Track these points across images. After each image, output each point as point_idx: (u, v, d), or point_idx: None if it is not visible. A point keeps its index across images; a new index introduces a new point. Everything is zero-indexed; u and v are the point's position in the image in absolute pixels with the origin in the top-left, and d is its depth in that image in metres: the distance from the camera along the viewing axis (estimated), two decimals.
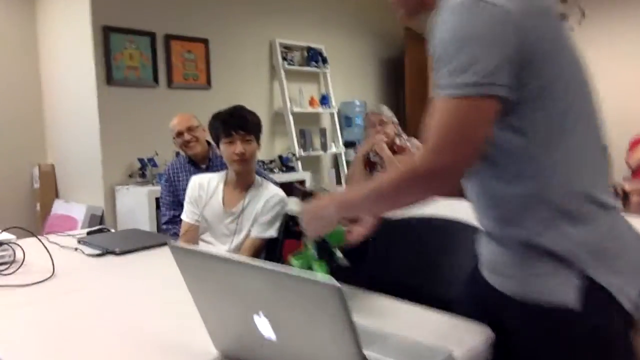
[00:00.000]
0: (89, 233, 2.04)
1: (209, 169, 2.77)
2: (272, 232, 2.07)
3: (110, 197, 3.65)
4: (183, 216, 2.17)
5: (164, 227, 2.82)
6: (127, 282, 1.45)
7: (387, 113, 3.14)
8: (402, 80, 5.71)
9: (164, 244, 1.86)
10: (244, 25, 4.41)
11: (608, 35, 4.92)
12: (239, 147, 2.00)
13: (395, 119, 3.17)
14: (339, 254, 1.06)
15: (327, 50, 5.04)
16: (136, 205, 3.50)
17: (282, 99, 4.68)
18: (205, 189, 2.14)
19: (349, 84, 5.43)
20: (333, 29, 5.22)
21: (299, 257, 1.08)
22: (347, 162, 5.19)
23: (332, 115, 5.14)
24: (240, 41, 4.39)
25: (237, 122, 2.01)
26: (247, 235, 2.07)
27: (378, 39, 5.77)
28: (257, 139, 2.09)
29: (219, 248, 2.10)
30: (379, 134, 3.06)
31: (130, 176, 3.73)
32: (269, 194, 2.10)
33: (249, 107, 2.12)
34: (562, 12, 5.06)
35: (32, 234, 1.71)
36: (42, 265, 1.55)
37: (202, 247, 2.14)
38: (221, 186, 2.14)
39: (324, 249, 1.05)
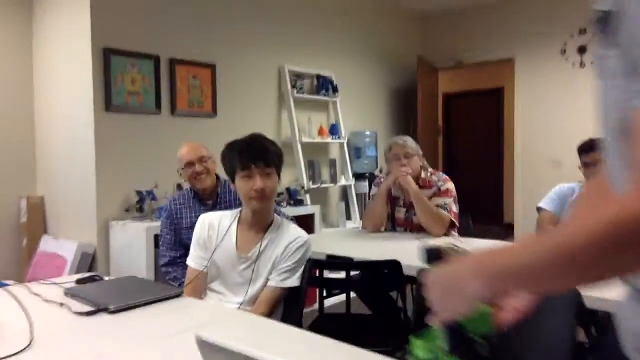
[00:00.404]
0: (78, 282, 1.73)
1: (215, 205, 2.48)
2: (294, 281, 1.77)
3: (104, 233, 3.33)
4: (189, 261, 1.87)
5: (163, 269, 2.52)
6: (123, 354, 1.14)
7: (412, 145, 2.88)
8: (413, 111, 5.50)
9: (170, 297, 1.56)
10: (252, 51, 4.19)
11: None
12: (258, 182, 1.71)
13: (420, 151, 2.91)
14: (482, 344, 0.72)
15: (337, 78, 4.82)
16: (132, 243, 3.18)
17: (290, 128, 4.42)
18: (216, 229, 1.85)
19: (358, 113, 5.19)
20: (343, 57, 5.02)
21: (423, 341, 0.74)
22: (357, 195, 4.91)
23: (341, 145, 4.88)
24: (248, 67, 4.16)
25: (257, 153, 1.74)
26: (265, 284, 1.77)
27: (389, 68, 5.57)
28: (278, 172, 1.81)
29: (231, 299, 1.79)
30: (405, 167, 2.79)
31: (127, 210, 3.42)
32: (290, 236, 1.81)
33: None
34: (582, 45, 4.88)
35: (6, 289, 1.40)
36: (20, 328, 1.24)
37: (210, 298, 1.83)
38: (234, 226, 1.84)
39: (459, 338, 0.72)
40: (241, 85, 4.10)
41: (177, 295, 1.59)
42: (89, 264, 3.23)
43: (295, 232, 1.82)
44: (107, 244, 3.33)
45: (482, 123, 7.53)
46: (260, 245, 1.78)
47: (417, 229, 2.81)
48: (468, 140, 7.55)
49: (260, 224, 1.82)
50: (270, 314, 1.72)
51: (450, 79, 6.97)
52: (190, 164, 2.46)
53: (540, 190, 5.15)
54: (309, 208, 4.18)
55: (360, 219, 4.81)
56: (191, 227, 1.99)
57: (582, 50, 4.88)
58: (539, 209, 2.86)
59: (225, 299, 1.81)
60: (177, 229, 2.47)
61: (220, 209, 1.99)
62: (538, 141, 5.32)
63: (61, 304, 1.48)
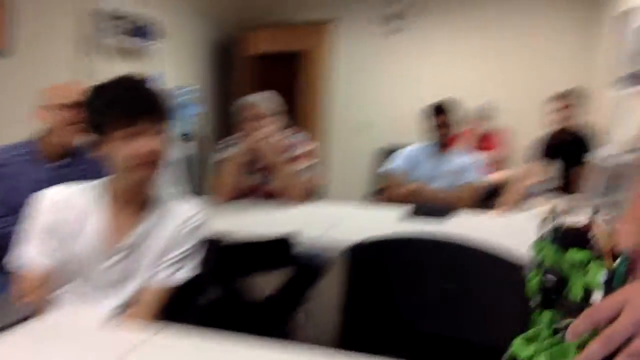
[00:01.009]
0: None
1: (64, 168, 1.82)
2: (189, 271, 1.38)
3: None
4: (30, 256, 1.30)
5: None
6: None
7: (267, 105, 2.59)
8: (231, 68, 5.17)
9: (18, 322, 1.03)
10: None
11: (448, 34, 4.99)
12: (147, 144, 1.25)
13: (278, 111, 2.64)
14: None
15: (157, 24, 4.17)
16: None
17: (99, 79, 3.67)
18: (71, 210, 1.32)
19: (176, 67, 4.62)
20: (164, 0, 4.37)
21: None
22: (190, 160, 4.47)
23: None
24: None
25: (142, 104, 1.27)
26: (146, 280, 1.34)
27: (212, 20, 5.09)
28: (166, 129, 1.36)
29: (101, 305, 1.31)
30: (259, 130, 2.51)
31: None
32: (183, 215, 1.40)
33: None
34: (399, 11, 5.11)
35: None
36: None
37: (68, 305, 1.30)
38: (100, 205, 1.34)
39: None
40: (37, 21, 3.22)
41: (26, 318, 1.06)
42: None
43: (188, 209, 1.42)
44: None
45: (281, 86, 7.51)
46: (140, 228, 1.33)
47: (273, 196, 2.60)
48: None
49: (139, 200, 1.36)
50: (155, 318, 1.31)
51: (266, 38, 6.75)
52: (77, 105, 1.74)
53: (353, 152, 5.40)
54: None
55: (188, 184, 4.37)
56: (21, 189, 1.46)
57: (398, 16, 5.10)
58: (387, 172, 2.94)
59: (91, 303, 1.31)
60: (6, 192, 1.76)
61: (72, 178, 1.43)
62: (352, 105, 5.49)
63: None
